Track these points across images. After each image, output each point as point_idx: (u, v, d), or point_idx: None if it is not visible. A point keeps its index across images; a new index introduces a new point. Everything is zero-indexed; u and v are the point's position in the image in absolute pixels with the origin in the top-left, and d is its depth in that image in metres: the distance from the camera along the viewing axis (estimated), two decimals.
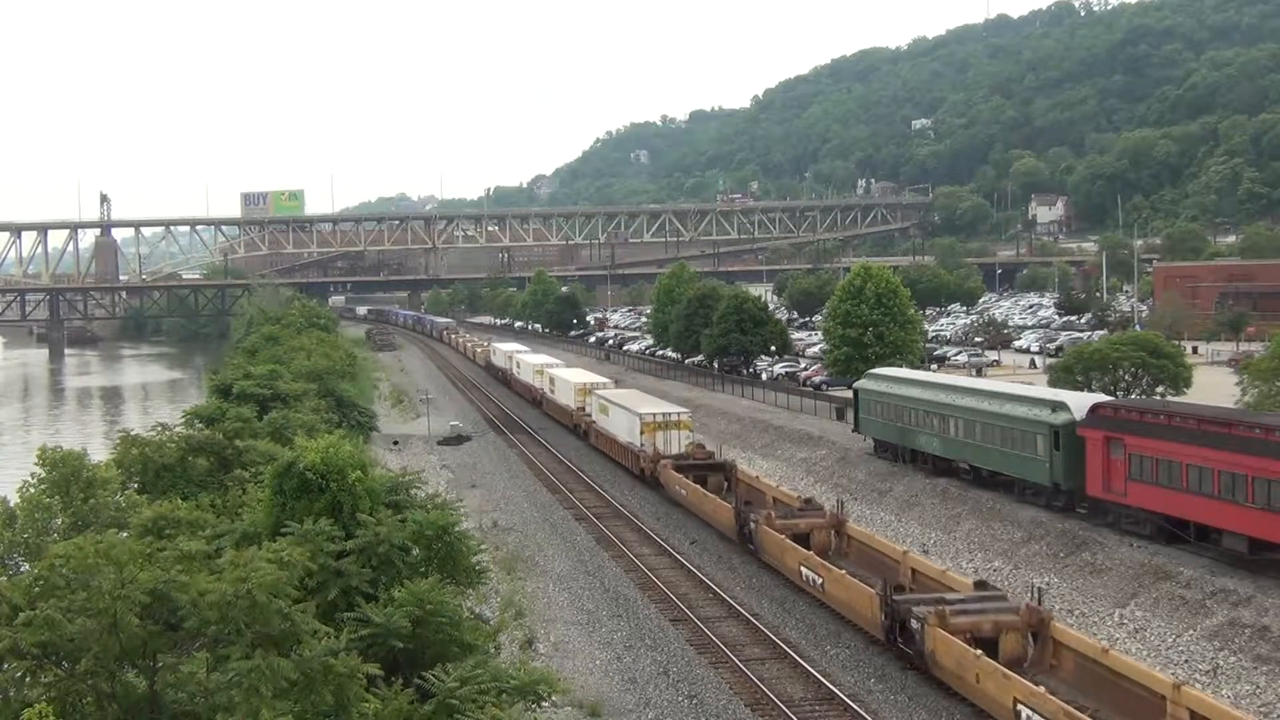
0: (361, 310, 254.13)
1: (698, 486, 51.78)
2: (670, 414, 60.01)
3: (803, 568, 39.15)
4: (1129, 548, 39.11)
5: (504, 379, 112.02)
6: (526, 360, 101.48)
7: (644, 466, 58.63)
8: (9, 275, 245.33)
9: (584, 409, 75.79)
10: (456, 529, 28.11)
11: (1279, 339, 55.62)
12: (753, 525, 43.19)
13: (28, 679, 19.44)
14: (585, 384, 77.60)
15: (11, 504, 34.82)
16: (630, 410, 62.59)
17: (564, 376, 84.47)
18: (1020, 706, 26.15)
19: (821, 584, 37.73)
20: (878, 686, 31.41)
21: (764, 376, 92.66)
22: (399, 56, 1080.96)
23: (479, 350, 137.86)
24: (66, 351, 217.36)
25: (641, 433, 59.07)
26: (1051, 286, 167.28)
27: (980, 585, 33.34)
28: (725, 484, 53.10)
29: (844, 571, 37.32)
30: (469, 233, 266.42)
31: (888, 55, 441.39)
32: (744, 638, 35.66)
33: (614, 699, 30.92)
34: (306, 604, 20.70)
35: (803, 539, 41.48)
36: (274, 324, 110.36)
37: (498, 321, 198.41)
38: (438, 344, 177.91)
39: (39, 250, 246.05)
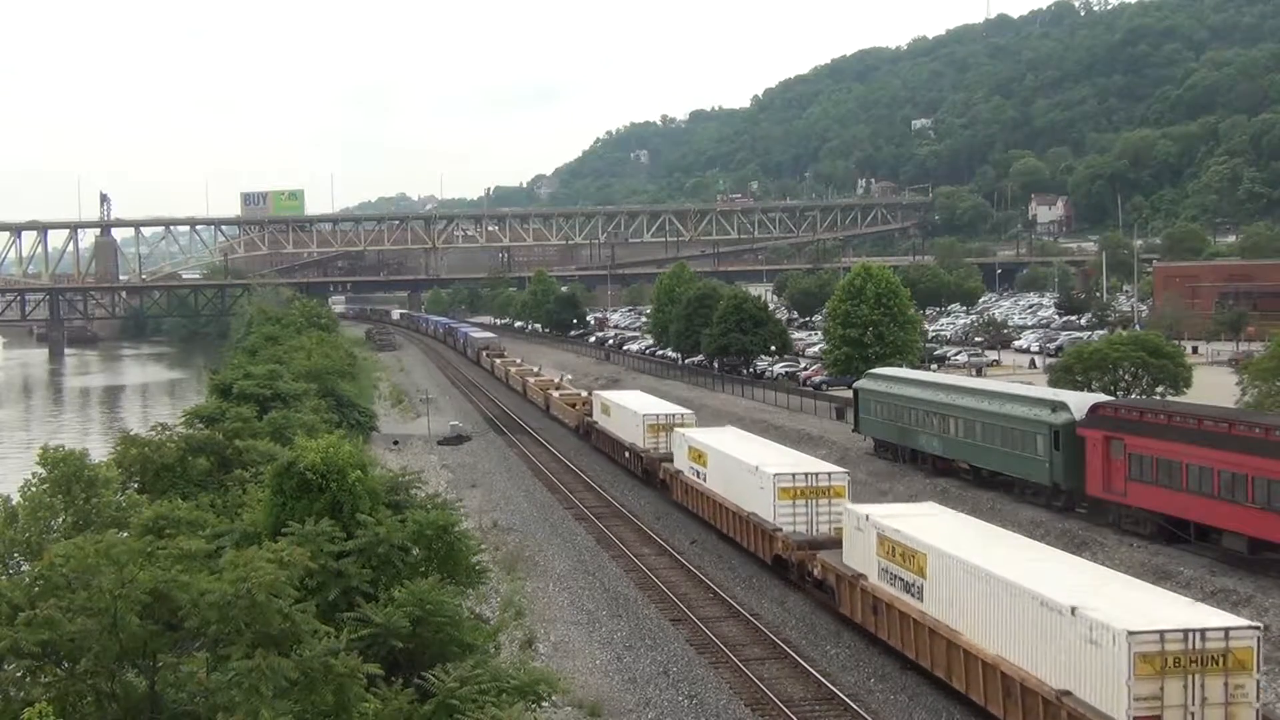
0: (396, 314, 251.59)
1: None
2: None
3: None
4: (1129, 548, 39.15)
5: (645, 467, 60.39)
6: (730, 451, 46.87)
7: None
8: (9, 275, 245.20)
9: (921, 587, 30.78)
10: (456, 529, 28.08)
11: (1279, 339, 55.64)
12: None
13: (28, 679, 19.43)
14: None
15: (13, 503, 34.85)
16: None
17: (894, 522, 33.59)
18: None
19: None
20: (878, 686, 31.38)
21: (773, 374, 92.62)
22: (399, 56, 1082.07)
23: (555, 395, 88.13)
24: (66, 351, 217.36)
25: None
26: (1051, 286, 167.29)
27: None
28: None
29: None
30: (469, 233, 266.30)
31: (888, 55, 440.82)
32: (744, 638, 35.65)
33: (614, 699, 30.90)
34: (306, 604, 20.67)
35: None
36: (274, 324, 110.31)
37: (497, 321, 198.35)
38: (474, 368, 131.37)
39: (39, 250, 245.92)
